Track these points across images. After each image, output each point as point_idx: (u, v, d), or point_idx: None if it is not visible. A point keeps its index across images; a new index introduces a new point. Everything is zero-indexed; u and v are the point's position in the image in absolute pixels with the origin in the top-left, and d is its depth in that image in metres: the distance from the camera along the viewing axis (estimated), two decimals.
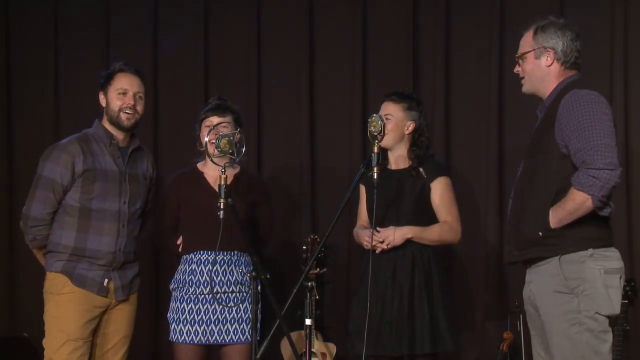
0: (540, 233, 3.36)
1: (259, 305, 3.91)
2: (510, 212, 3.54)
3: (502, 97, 5.20)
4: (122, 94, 3.94)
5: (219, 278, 4.13)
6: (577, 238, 3.32)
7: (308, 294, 3.53)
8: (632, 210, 5.05)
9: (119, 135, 3.98)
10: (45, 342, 3.91)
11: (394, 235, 4.06)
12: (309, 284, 3.54)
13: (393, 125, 4.16)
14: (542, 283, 3.40)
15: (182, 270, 4.19)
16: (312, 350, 4.70)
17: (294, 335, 4.54)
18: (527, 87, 3.58)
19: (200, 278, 4.12)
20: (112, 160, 3.95)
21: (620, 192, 4.98)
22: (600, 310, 3.30)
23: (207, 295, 4.09)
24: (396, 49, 5.33)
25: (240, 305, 4.12)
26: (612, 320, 3.37)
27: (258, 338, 3.99)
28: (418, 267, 4.08)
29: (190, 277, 4.14)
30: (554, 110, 3.37)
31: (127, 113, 3.94)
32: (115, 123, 3.96)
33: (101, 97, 3.99)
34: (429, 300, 4.05)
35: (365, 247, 4.10)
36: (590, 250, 3.32)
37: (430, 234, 4.12)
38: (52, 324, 3.87)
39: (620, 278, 3.37)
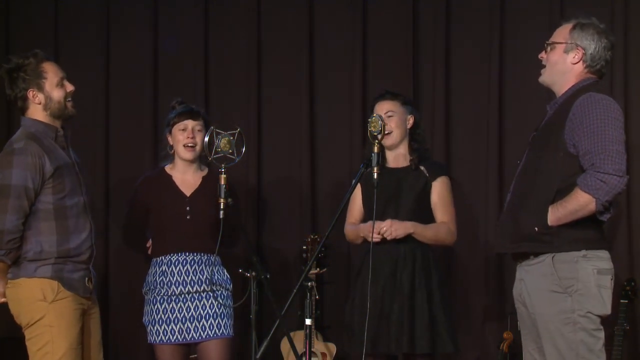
0: (537, 228, 3.34)
1: (230, 303, 4.10)
2: (508, 203, 3.52)
3: (502, 97, 5.20)
4: (61, 84, 3.80)
5: (189, 277, 4.12)
6: (572, 239, 3.32)
7: (308, 294, 3.53)
8: (632, 211, 5.05)
9: (58, 126, 3.81)
10: (41, 355, 3.65)
11: (394, 226, 4.01)
12: (309, 284, 3.54)
13: (397, 121, 4.15)
14: (534, 282, 3.39)
15: (153, 272, 4.18)
16: (312, 350, 4.70)
17: (293, 335, 4.54)
18: (544, 78, 3.53)
19: (171, 278, 4.12)
20: (64, 152, 3.77)
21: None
22: (592, 310, 3.31)
23: (179, 295, 4.10)
24: (396, 49, 5.33)
25: (214, 301, 4.11)
26: (604, 320, 3.37)
27: (232, 334, 4.10)
28: (418, 265, 4.06)
29: (161, 279, 4.13)
30: (567, 109, 3.36)
31: (70, 100, 3.82)
32: (63, 114, 3.80)
33: (32, 93, 3.74)
34: (429, 300, 4.03)
35: (368, 240, 4.00)
36: (584, 251, 3.32)
37: (431, 232, 4.11)
38: (50, 333, 3.64)
39: (611, 279, 3.37)
